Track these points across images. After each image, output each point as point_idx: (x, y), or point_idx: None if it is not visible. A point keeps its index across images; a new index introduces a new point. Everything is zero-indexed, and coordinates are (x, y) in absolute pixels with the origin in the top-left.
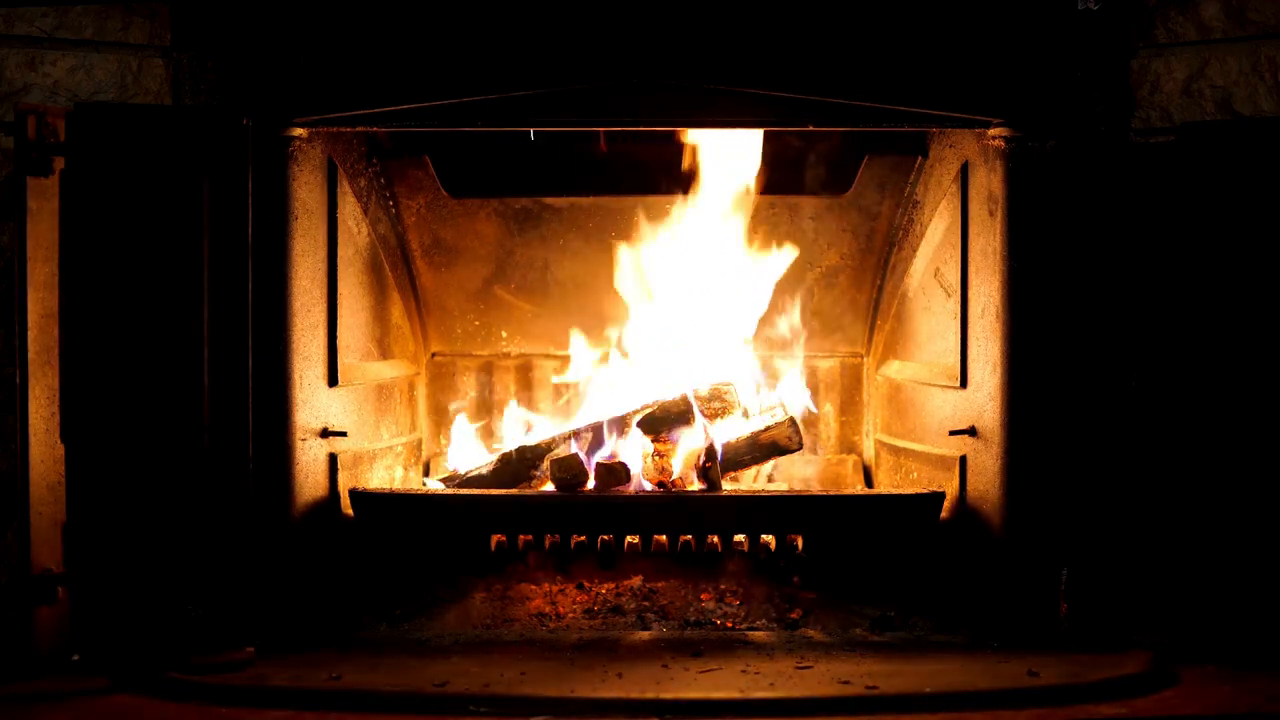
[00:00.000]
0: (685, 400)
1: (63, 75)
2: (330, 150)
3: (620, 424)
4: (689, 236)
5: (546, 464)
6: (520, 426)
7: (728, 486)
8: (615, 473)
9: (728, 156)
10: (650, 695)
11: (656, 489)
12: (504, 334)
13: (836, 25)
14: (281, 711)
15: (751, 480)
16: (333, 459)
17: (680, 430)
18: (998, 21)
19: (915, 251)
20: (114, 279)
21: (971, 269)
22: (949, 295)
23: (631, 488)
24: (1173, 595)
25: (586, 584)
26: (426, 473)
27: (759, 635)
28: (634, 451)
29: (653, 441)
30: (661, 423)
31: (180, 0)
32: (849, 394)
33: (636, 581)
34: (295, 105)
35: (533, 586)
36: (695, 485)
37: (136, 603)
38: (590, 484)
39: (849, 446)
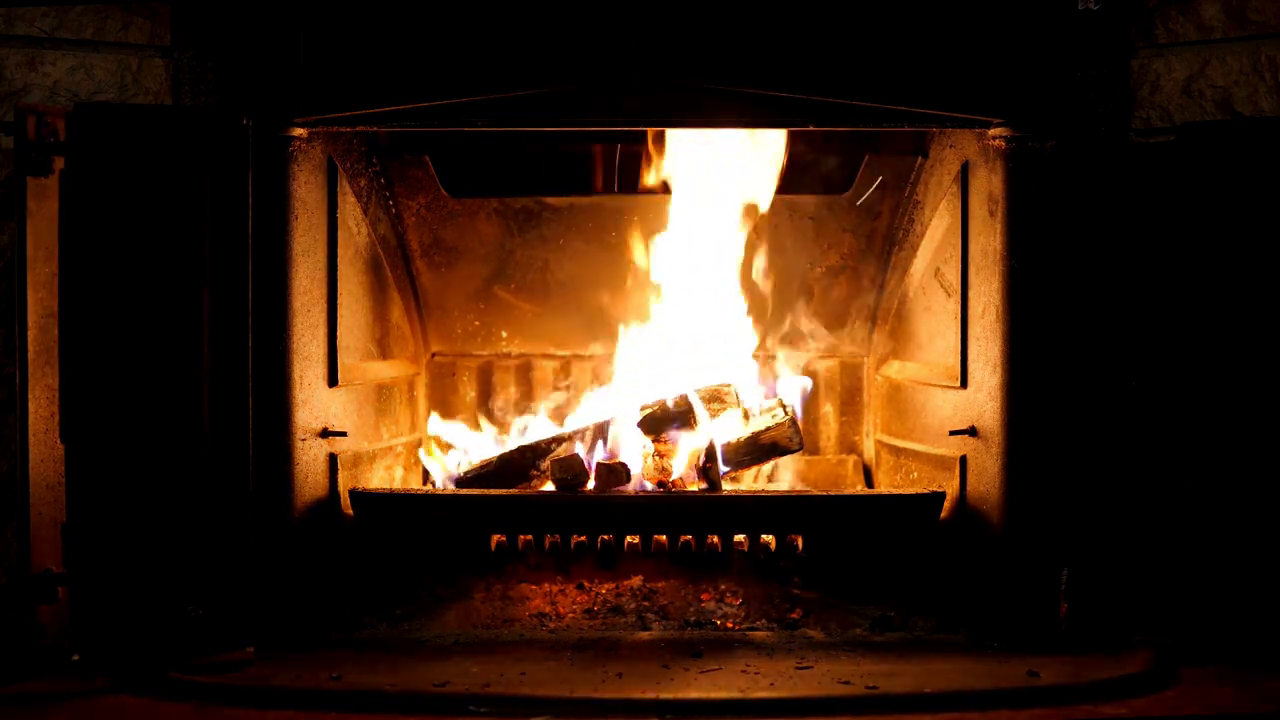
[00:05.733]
0: (686, 400)
1: (63, 75)
2: (330, 150)
3: (620, 424)
4: (688, 236)
5: (547, 464)
6: (520, 426)
7: (728, 486)
8: (615, 473)
9: (727, 156)
10: (650, 695)
11: (657, 489)
12: (504, 334)
13: (836, 25)
14: (282, 712)
15: (751, 480)
16: (333, 459)
17: (681, 430)
18: (998, 21)
19: (916, 251)
20: (114, 279)
21: (972, 269)
22: (949, 295)
23: (632, 488)
24: (1173, 595)
25: (586, 584)
26: (426, 473)
27: (759, 635)
28: (634, 451)
29: (653, 441)
30: (662, 423)
31: (180, 0)
32: (849, 394)
33: (636, 581)
34: (295, 105)
35: (533, 586)
36: (695, 485)
37: (136, 603)
38: (590, 484)
39: (849, 446)
